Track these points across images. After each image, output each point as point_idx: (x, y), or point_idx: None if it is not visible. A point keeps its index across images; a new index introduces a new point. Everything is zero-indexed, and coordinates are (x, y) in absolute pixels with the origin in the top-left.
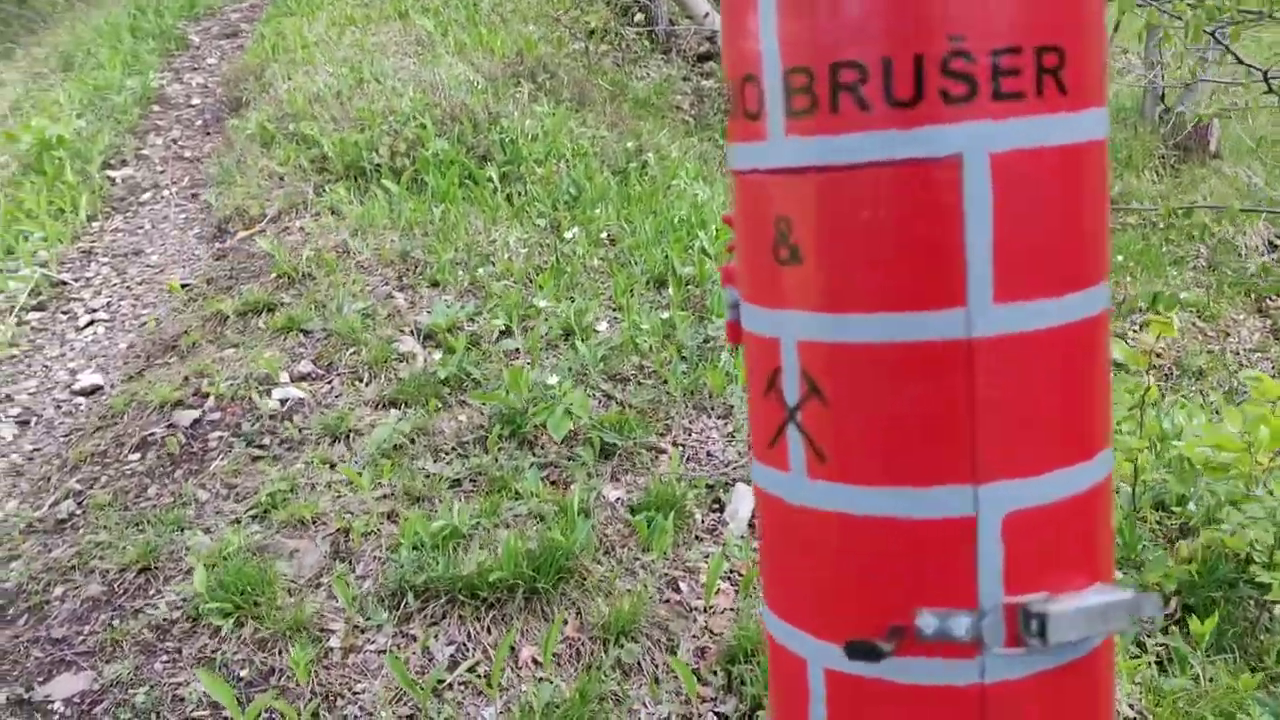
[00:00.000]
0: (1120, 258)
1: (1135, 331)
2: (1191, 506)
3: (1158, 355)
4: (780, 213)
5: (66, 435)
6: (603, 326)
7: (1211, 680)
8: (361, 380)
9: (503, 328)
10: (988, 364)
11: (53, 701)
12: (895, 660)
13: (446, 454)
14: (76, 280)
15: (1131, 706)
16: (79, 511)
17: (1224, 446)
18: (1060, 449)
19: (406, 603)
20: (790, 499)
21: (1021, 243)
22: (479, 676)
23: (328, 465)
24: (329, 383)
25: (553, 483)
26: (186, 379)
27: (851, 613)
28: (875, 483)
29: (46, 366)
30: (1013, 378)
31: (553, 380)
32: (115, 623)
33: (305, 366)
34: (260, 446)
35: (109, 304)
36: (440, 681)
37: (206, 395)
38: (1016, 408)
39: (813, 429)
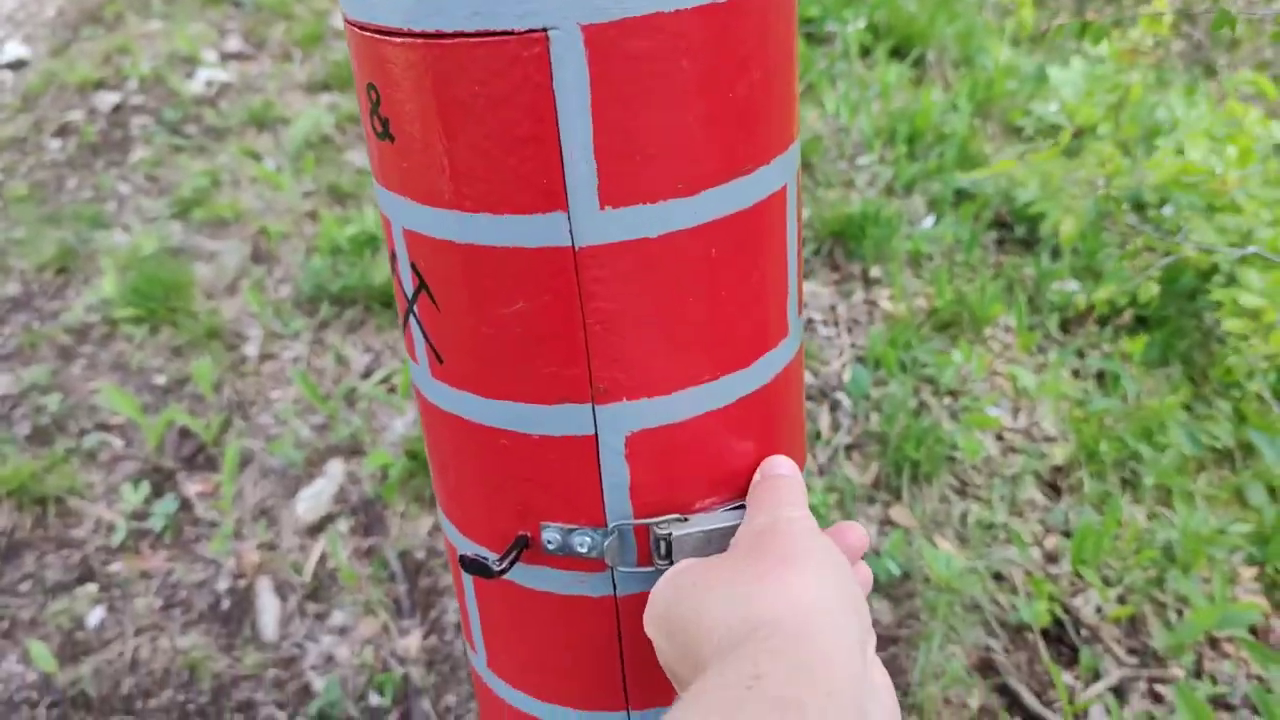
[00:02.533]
0: None
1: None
2: (1167, 210)
3: (1145, 50)
4: (369, 77)
5: None
6: None
7: (1148, 393)
8: (292, 60)
9: None
10: (598, 276)
11: None
12: (527, 567)
13: None
14: None
15: (1054, 425)
16: None
17: (1189, 171)
18: (698, 363)
19: (323, 310)
20: (423, 392)
21: (636, 135)
22: (389, 391)
23: (252, 157)
24: (258, 62)
25: None
26: (108, 57)
27: (481, 515)
28: (490, 394)
29: None
30: (631, 291)
31: None
32: (33, 325)
33: (234, 43)
34: (183, 135)
35: None
36: (353, 390)
37: (128, 76)
38: (638, 323)
39: (429, 327)
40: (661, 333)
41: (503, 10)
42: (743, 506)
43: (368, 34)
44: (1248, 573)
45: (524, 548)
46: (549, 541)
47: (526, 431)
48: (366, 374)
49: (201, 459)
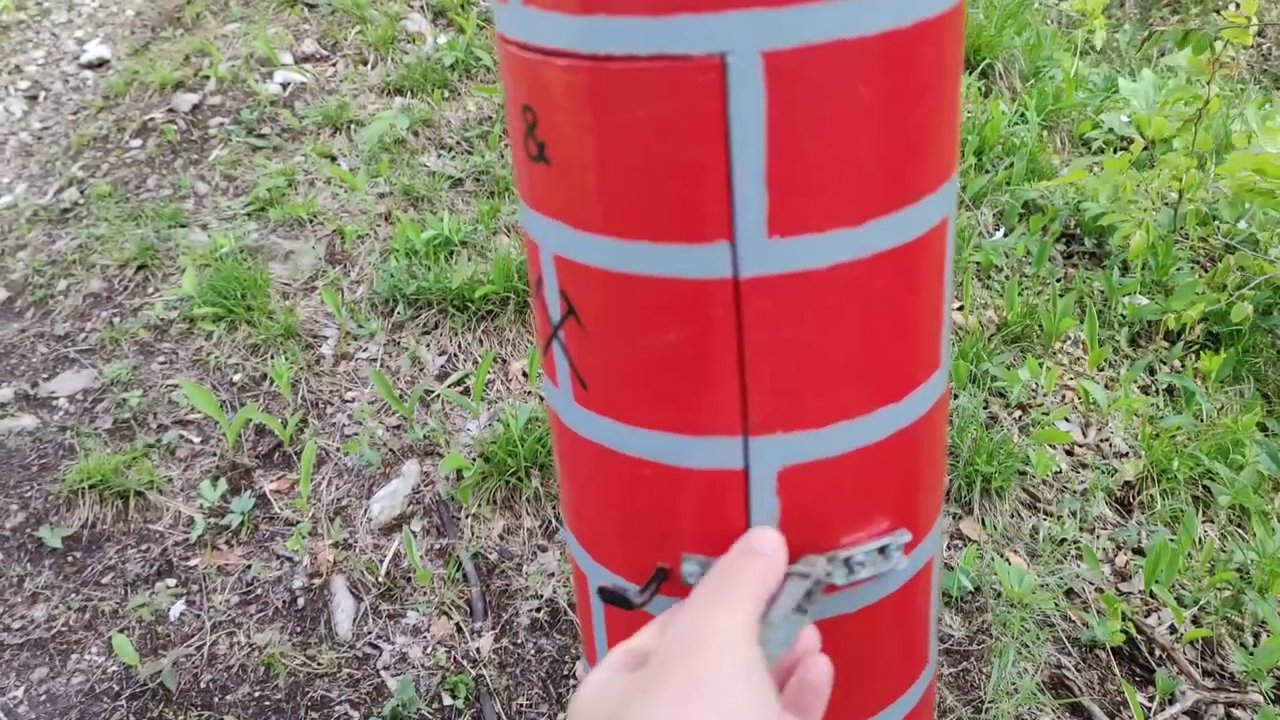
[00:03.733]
0: None
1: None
2: (1243, 224)
3: (1226, 62)
4: (525, 99)
5: (74, 114)
6: None
7: (1221, 410)
8: (366, 63)
9: None
10: (761, 307)
11: (57, 398)
12: (662, 599)
13: (450, 149)
14: None
15: (1125, 441)
16: (81, 201)
17: (1265, 171)
18: (854, 396)
19: (398, 311)
20: (563, 417)
21: (808, 163)
22: (463, 393)
23: (327, 158)
24: (333, 65)
25: None
26: (188, 58)
27: (617, 543)
28: (637, 423)
29: (54, 34)
30: (794, 323)
31: None
32: (115, 320)
33: (309, 46)
34: (260, 136)
35: None
36: (428, 392)
37: (207, 77)
38: (798, 356)
39: (574, 353)
40: (821, 365)
41: (683, 34)
42: (884, 549)
43: (528, 54)
44: None
45: (664, 579)
46: (690, 574)
47: (671, 463)
48: (441, 376)
49: (278, 457)
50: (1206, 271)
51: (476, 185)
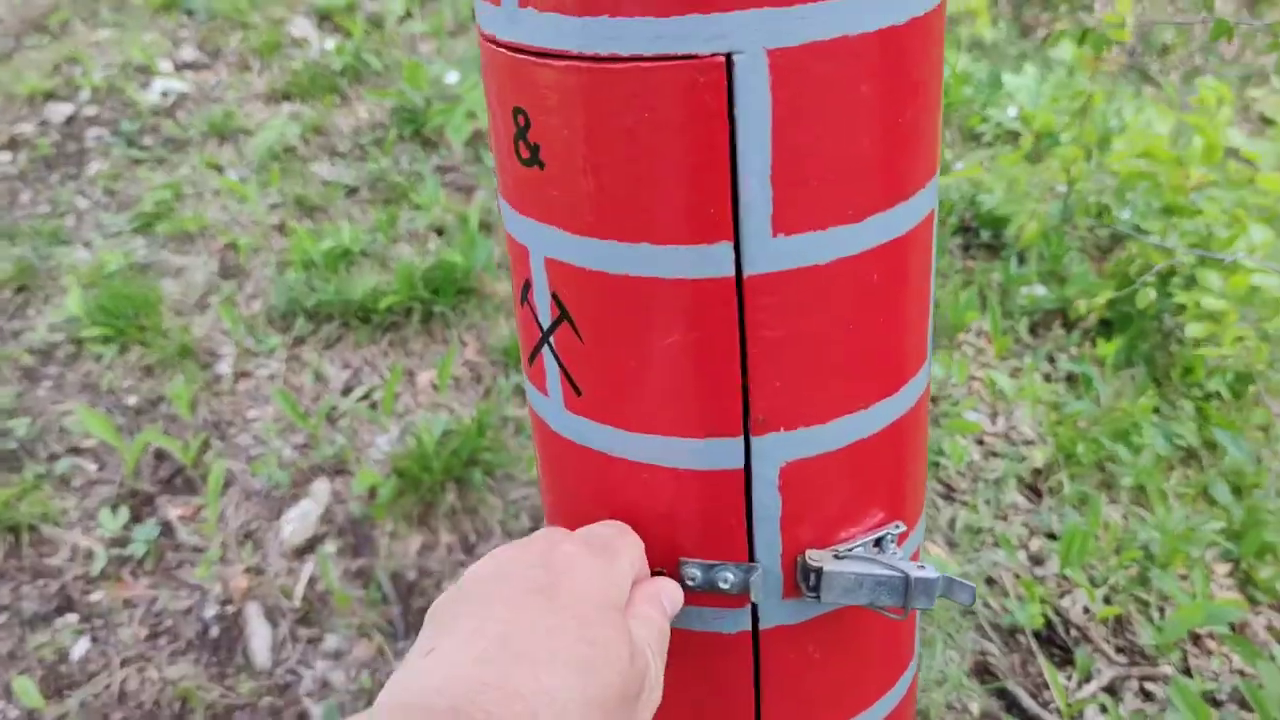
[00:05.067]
0: None
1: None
2: (1125, 214)
3: (1106, 58)
4: (516, 102)
5: None
6: None
7: (1118, 394)
8: (251, 70)
9: (404, 9)
10: (764, 305)
11: None
12: None
13: (343, 156)
14: None
15: (1032, 429)
16: None
17: (1153, 155)
18: (855, 390)
19: (298, 325)
20: (552, 425)
21: (812, 161)
22: (371, 407)
23: (215, 169)
24: (215, 72)
25: (458, 189)
26: (58, 66)
27: None
28: (633, 428)
29: None
30: (797, 319)
31: (452, 78)
32: None
33: (189, 53)
34: (142, 147)
35: None
36: (334, 408)
37: (80, 87)
38: (800, 352)
39: (566, 359)
40: (823, 359)
41: (689, 33)
42: (879, 541)
43: (521, 56)
44: (1222, 569)
45: None
46: (690, 578)
47: (671, 466)
48: (346, 391)
49: (180, 482)
50: (1095, 260)
51: (372, 193)
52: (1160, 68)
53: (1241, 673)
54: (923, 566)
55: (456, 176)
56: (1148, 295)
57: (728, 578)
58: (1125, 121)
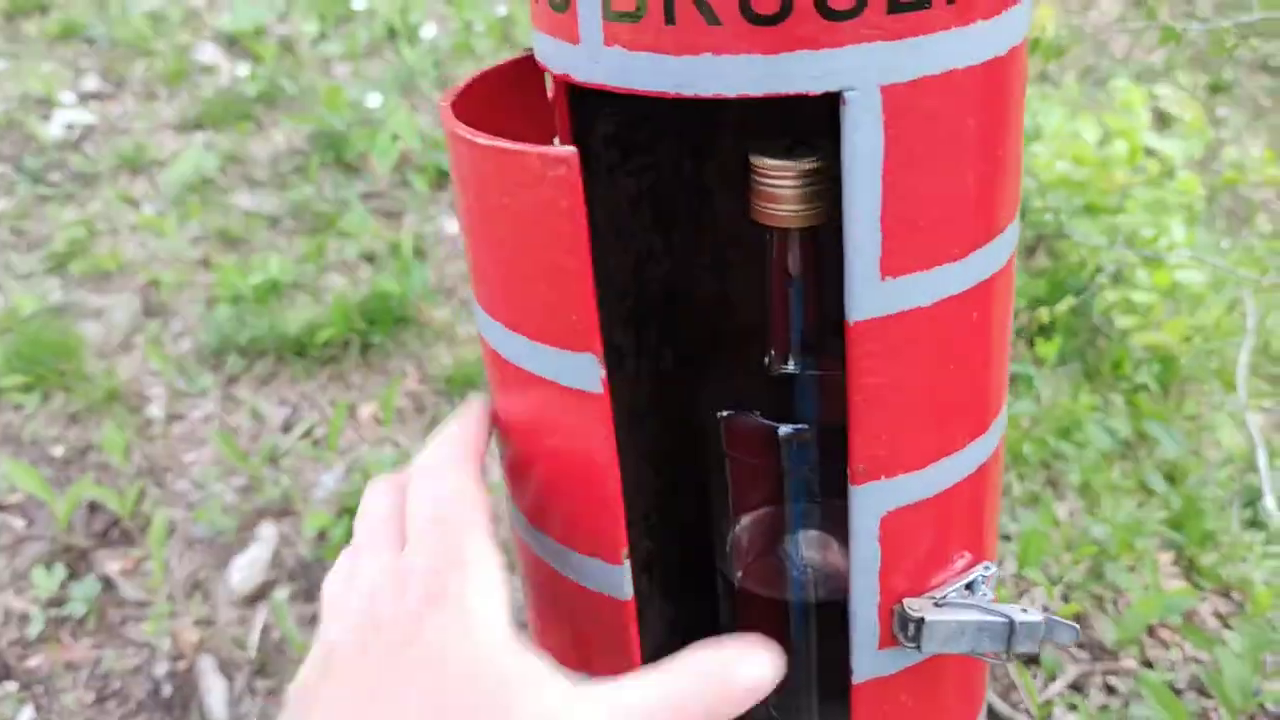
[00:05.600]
0: None
1: None
2: (1048, 217)
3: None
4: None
5: None
6: (430, 29)
7: (1056, 393)
8: (158, 98)
9: (317, 32)
10: (870, 351)
11: None
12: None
13: (263, 185)
14: None
15: None
16: None
17: (1081, 160)
18: (951, 431)
19: (230, 363)
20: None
21: (920, 200)
22: (313, 444)
23: (129, 203)
24: (120, 103)
25: (386, 215)
26: None
27: None
28: (551, 535)
29: None
30: (900, 364)
31: (374, 102)
32: None
33: (92, 83)
34: (49, 184)
35: None
36: (275, 447)
37: None
38: (902, 398)
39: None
40: (923, 404)
41: (798, 71)
42: (970, 584)
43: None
44: (1166, 557)
45: None
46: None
47: (578, 582)
48: (286, 428)
49: (118, 534)
50: (1023, 260)
51: (297, 222)
52: (1058, 68)
53: (1196, 660)
54: (1025, 610)
55: (383, 202)
56: (1105, 299)
57: None
58: (1043, 125)
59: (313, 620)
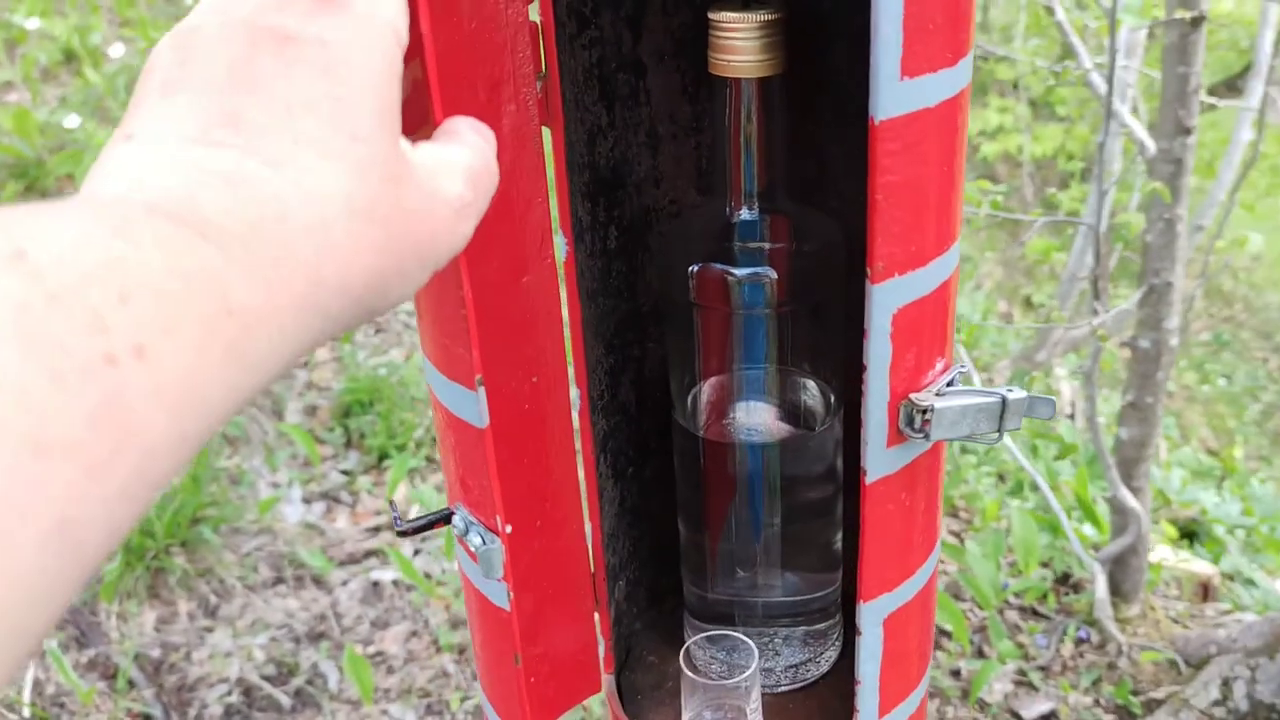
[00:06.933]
0: None
1: None
2: None
3: None
4: None
5: None
6: (117, 50)
7: None
8: None
9: None
10: (890, 150)
11: None
12: None
13: None
14: None
15: None
16: None
17: None
18: (941, 232)
19: None
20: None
21: (932, 6)
22: None
23: None
24: None
25: None
26: None
27: None
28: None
29: None
30: (911, 160)
31: (72, 123)
32: None
33: None
34: None
35: None
36: None
37: None
38: (912, 195)
39: None
40: (926, 202)
41: None
42: (951, 382)
43: None
44: None
45: None
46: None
47: None
48: None
49: None
50: None
51: None
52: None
53: (945, 572)
54: (1010, 389)
55: None
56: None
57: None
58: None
59: (93, 664)
